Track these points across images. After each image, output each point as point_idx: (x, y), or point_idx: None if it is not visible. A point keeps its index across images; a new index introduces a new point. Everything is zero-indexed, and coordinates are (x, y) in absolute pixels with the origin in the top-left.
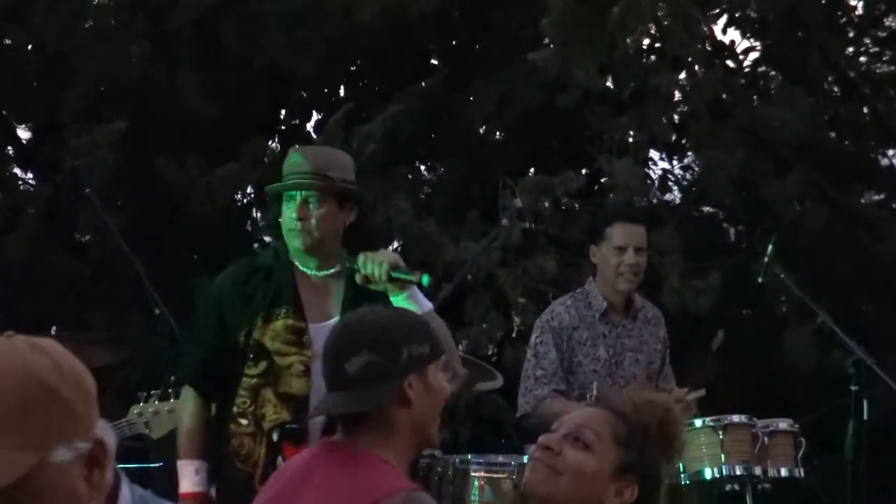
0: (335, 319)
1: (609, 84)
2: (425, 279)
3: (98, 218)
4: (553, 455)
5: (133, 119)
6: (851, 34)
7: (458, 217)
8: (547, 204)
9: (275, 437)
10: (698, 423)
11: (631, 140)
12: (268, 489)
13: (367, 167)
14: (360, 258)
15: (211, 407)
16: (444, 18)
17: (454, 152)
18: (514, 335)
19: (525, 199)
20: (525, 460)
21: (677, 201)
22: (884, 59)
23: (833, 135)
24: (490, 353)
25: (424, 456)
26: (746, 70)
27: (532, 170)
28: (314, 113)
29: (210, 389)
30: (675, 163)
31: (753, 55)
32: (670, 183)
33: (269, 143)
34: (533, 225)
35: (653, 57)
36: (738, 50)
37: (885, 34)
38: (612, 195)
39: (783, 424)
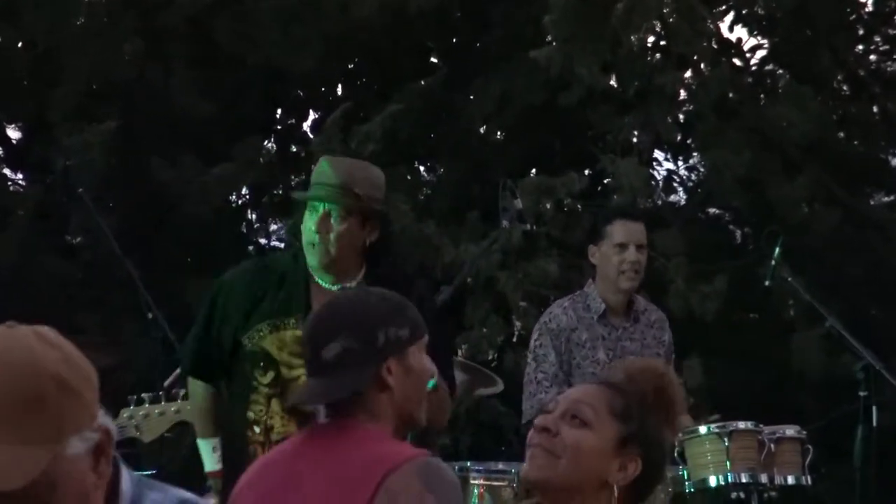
0: None
1: (613, 82)
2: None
3: (90, 219)
4: (551, 437)
5: (125, 118)
6: (861, 32)
7: (457, 218)
8: (549, 205)
9: None
10: (703, 430)
11: (635, 140)
12: (251, 486)
13: None
14: None
15: (217, 388)
16: (444, 15)
17: (454, 152)
18: (514, 340)
19: (526, 201)
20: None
21: (682, 203)
22: (894, 57)
23: (842, 135)
24: (490, 357)
25: None
26: (753, 68)
27: (533, 170)
28: (311, 112)
29: (210, 377)
30: (680, 163)
31: (761, 53)
32: (675, 184)
33: (265, 142)
34: (534, 227)
35: (658, 55)
36: (745, 48)
37: (895, 32)
38: (615, 196)
39: (790, 431)
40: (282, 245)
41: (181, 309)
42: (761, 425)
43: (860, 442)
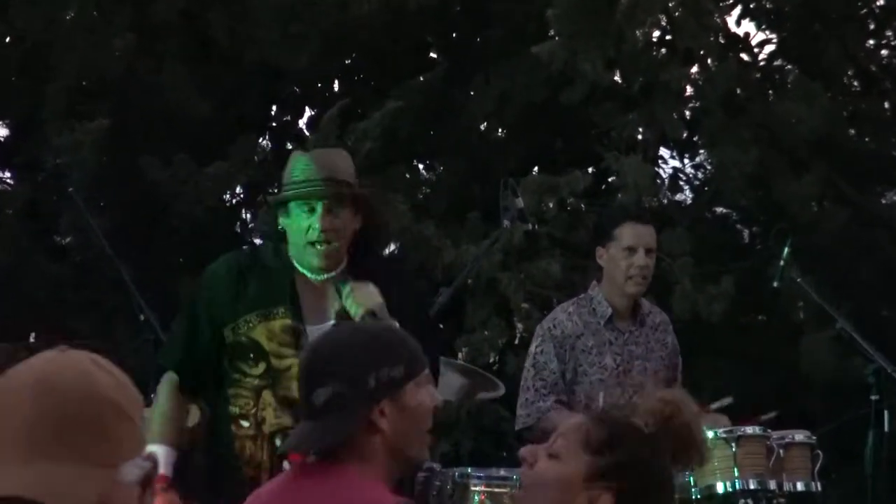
0: (331, 322)
1: (617, 78)
2: None
3: (81, 219)
4: (528, 468)
5: (117, 116)
6: (872, 26)
7: (458, 218)
8: (551, 204)
9: (278, 442)
10: (710, 435)
11: (640, 137)
12: None
13: (363, 166)
14: (347, 287)
15: (186, 397)
16: (444, 10)
17: (454, 151)
18: (516, 342)
19: (528, 200)
20: None
21: (688, 202)
22: None
23: (852, 131)
24: (491, 361)
25: (422, 469)
26: (761, 64)
27: (535, 169)
28: (307, 109)
29: (189, 379)
30: (686, 161)
31: (769, 48)
32: (681, 182)
33: (260, 140)
34: (536, 226)
35: (663, 50)
36: (753, 42)
37: None
38: (619, 195)
39: (799, 436)
40: None
41: (174, 311)
42: (769, 430)
43: (871, 447)
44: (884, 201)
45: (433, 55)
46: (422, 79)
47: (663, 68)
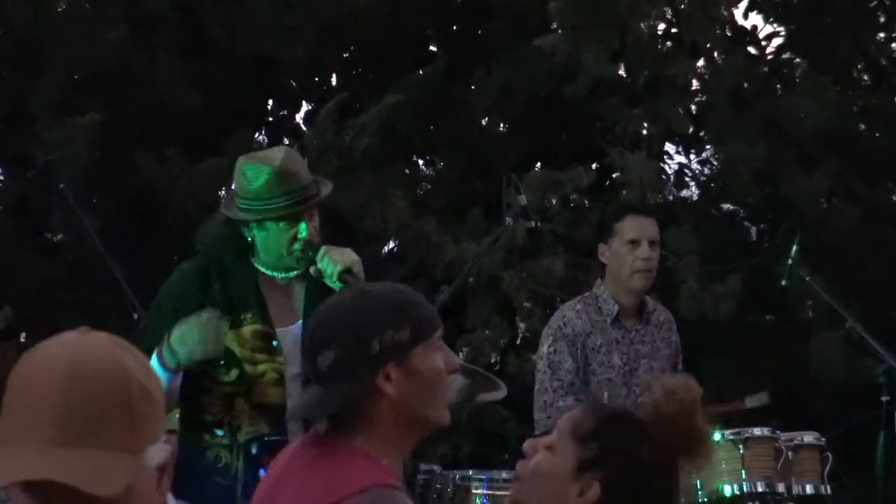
0: (299, 323)
1: (622, 72)
2: None
3: (72, 216)
4: (526, 461)
5: (109, 110)
6: (883, 19)
7: (458, 215)
8: (554, 201)
9: (254, 450)
10: (717, 436)
11: (645, 132)
12: (263, 481)
13: (361, 162)
14: (322, 250)
15: None
16: (444, 2)
17: (454, 146)
18: (518, 342)
19: (531, 196)
20: None
21: (695, 198)
22: None
23: (862, 127)
24: (493, 361)
25: (422, 472)
26: (769, 57)
27: (538, 164)
28: (304, 103)
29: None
30: (692, 157)
31: (777, 41)
32: (687, 178)
33: (256, 135)
34: (539, 224)
35: (669, 43)
36: (761, 36)
37: None
38: (624, 192)
39: (808, 438)
40: None
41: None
42: (778, 432)
43: (882, 449)
44: (895, 198)
45: (433, 48)
46: (421, 72)
47: (669, 62)
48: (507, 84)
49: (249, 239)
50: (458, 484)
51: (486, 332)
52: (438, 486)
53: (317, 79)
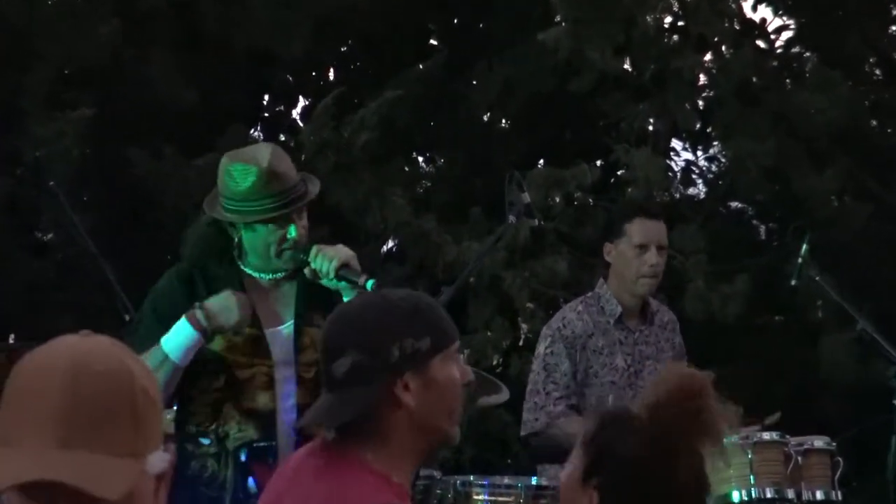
0: (290, 323)
1: (627, 67)
2: (370, 284)
3: (62, 215)
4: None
5: (101, 106)
6: (894, 12)
7: (459, 214)
8: (558, 199)
9: (242, 457)
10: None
11: (651, 128)
12: (267, 489)
13: (359, 159)
14: (314, 249)
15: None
16: None
17: (455, 142)
18: (521, 344)
19: (534, 194)
20: (534, 481)
21: (702, 196)
22: None
23: (874, 122)
24: (495, 363)
25: (422, 477)
26: (779, 51)
27: (541, 161)
28: (301, 99)
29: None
30: (699, 154)
31: (787, 35)
32: (694, 176)
33: (252, 131)
34: (542, 222)
35: (675, 36)
36: (770, 29)
37: None
38: (629, 189)
39: (819, 442)
40: None
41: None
42: (787, 436)
43: (894, 453)
44: None
45: (433, 42)
46: (421, 67)
47: (675, 56)
48: (510, 79)
49: (236, 240)
50: (459, 490)
51: (488, 333)
52: (439, 491)
53: (314, 73)
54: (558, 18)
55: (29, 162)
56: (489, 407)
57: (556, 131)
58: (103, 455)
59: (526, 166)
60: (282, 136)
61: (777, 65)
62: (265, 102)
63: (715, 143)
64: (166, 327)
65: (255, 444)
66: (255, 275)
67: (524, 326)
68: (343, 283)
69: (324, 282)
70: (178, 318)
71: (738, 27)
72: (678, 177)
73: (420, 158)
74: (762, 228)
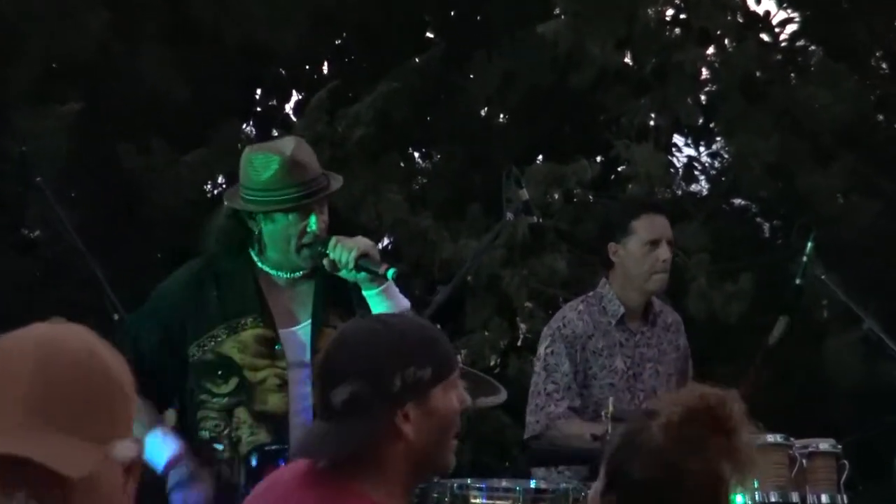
0: (306, 323)
1: (628, 60)
2: (391, 273)
3: (49, 211)
4: None
5: (90, 99)
6: None
7: (457, 211)
8: (557, 196)
9: (253, 461)
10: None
11: (652, 124)
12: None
13: (354, 154)
14: (332, 241)
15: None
16: None
17: (453, 138)
18: (519, 344)
19: (532, 191)
20: (533, 484)
21: (705, 193)
22: None
23: (881, 118)
24: (493, 364)
25: None
26: (783, 45)
27: (540, 157)
28: (294, 93)
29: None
30: (702, 149)
31: (791, 28)
32: (696, 172)
33: (244, 126)
34: (541, 219)
35: (677, 30)
36: (774, 22)
37: None
38: (630, 186)
39: (824, 445)
40: None
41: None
42: (792, 439)
43: None
44: None
45: (430, 34)
46: (418, 60)
47: (677, 49)
48: (508, 73)
49: (256, 232)
50: (456, 493)
51: (486, 333)
52: (435, 495)
53: (307, 67)
54: (558, 11)
55: (14, 157)
56: (487, 408)
57: (555, 126)
58: (68, 436)
59: (525, 162)
60: (274, 130)
61: (781, 59)
62: (258, 96)
63: (718, 138)
64: (164, 329)
65: (265, 448)
66: (273, 272)
67: (523, 326)
68: (362, 275)
69: (343, 273)
70: (178, 319)
71: (741, 20)
72: (680, 173)
73: (416, 154)
74: (766, 226)
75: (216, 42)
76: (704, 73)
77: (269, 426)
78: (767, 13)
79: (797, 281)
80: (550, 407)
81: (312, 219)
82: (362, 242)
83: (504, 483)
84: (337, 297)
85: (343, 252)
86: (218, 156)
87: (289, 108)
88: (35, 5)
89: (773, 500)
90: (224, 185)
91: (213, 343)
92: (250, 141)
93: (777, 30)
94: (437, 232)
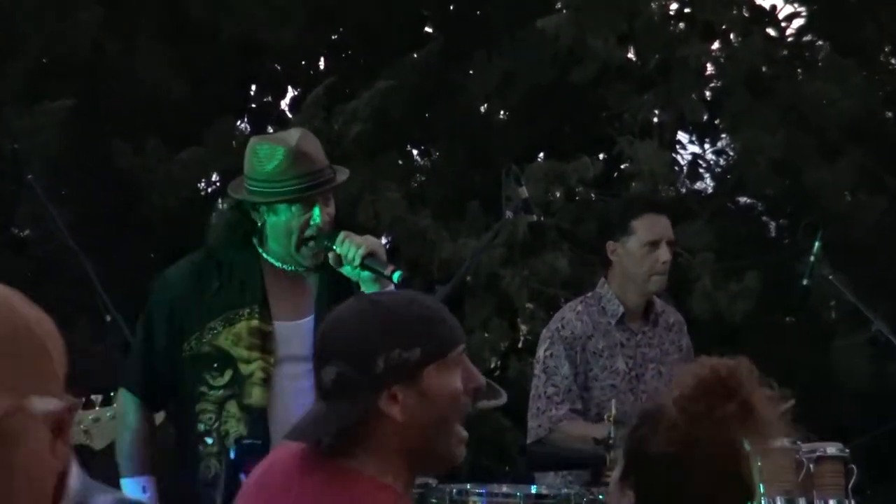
0: (310, 318)
1: (631, 56)
2: (396, 276)
3: (41, 209)
4: None
5: (82, 96)
6: None
7: (456, 209)
8: (558, 194)
9: (231, 454)
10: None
11: (656, 120)
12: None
13: (351, 152)
14: (340, 235)
15: (153, 416)
16: None
17: (452, 135)
18: (520, 345)
19: (533, 189)
20: (534, 490)
21: (709, 191)
22: None
23: (889, 114)
24: (492, 366)
25: (416, 486)
26: (790, 39)
27: (541, 155)
28: (290, 89)
29: (154, 399)
30: (706, 146)
31: (798, 22)
32: (701, 169)
33: (239, 123)
34: (542, 218)
35: (681, 24)
36: (781, 16)
37: None
38: (633, 184)
39: (831, 449)
40: None
41: (144, 310)
42: (799, 442)
43: None
44: None
45: (429, 29)
46: (416, 55)
47: (681, 44)
48: (509, 69)
49: (259, 224)
50: (455, 498)
51: (486, 334)
52: (434, 500)
53: (304, 62)
54: (559, 5)
55: (6, 155)
56: (486, 411)
57: (556, 123)
58: None
59: (525, 159)
60: (270, 127)
61: (788, 53)
62: (253, 93)
63: (723, 135)
64: (169, 323)
65: (243, 442)
66: (277, 264)
67: (523, 327)
68: (366, 274)
69: (346, 269)
70: (179, 312)
71: (746, 14)
72: (684, 171)
73: (415, 151)
74: (772, 224)
75: (211, 38)
76: (709, 68)
77: (248, 419)
78: (774, 7)
79: (804, 281)
80: (552, 410)
81: (316, 211)
82: (371, 241)
83: (504, 488)
84: (340, 294)
85: (351, 248)
86: (213, 153)
87: (284, 104)
88: (28, 1)
89: None
90: (218, 184)
91: (210, 335)
92: (245, 138)
93: (784, 24)
94: (436, 231)
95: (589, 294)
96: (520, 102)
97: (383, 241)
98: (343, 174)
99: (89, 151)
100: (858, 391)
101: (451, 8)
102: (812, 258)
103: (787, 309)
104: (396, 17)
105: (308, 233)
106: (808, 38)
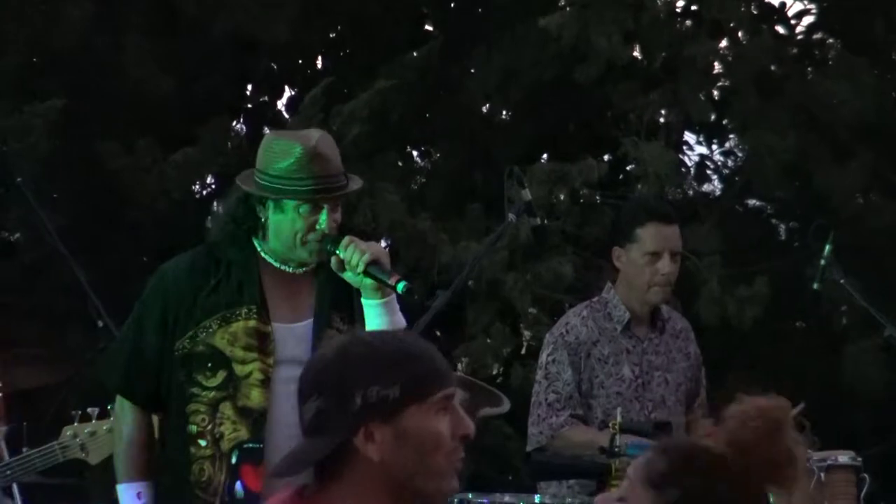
0: (309, 321)
1: (636, 54)
2: (401, 286)
3: (30, 213)
4: None
5: (72, 96)
6: None
7: (456, 212)
8: (562, 196)
9: (233, 458)
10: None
11: (662, 120)
12: None
13: (349, 153)
14: (345, 240)
15: (152, 419)
16: None
17: (452, 135)
18: (523, 351)
19: (536, 191)
20: (537, 500)
21: (717, 193)
22: None
23: None
24: (495, 372)
25: None
26: (800, 37)
27: (545, 156)
28: (287, 89)
29: (144, 399)
30: (714, 147)
31: (808, 20)
32: (709, 171)
33: (234, 123)
34: (545, 221)
35: (688, 21)
36: (790, 13)
37: None
38: (639, 186)
39: (843, 458)
40: None
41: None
42: (810, 451)
43: None
44: None
45: (429, 27)
46: (416, 54)
47: (688, 42)
48: (510, 68)
49: (263, 219)
50: None
51: (488, 340)
52: None
53: (301, 61)
54: (562, 2)
55: None
56: (489, 419)
57: (560, 123)
58: None
59: (528, 161)
60: (266, 128)
61: (798, 52)
62: (248, 92)
63: (731, 136)
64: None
65: (244, 446)
66: (276, 264)
67: (526, 333)
68: (368, 281)
69: (348, 274)
70: (174, 309)
71: (755, 11)
72: (691, 172)
73: (414, 152)
74: (782, 227)
75: (204, 35)
76: (717, 67)
77: (249, 422)
78: (783, 4)
79: (815, 285)
80: (552, 418)
81: (323, 216)
82: (376, 248)
83: (507, 498)
84: (339, 298)
85: (355, 253)
86: (206, 154)
87: (281, 104)
88: None
89: None
90: (213, 186)
91: (204, 334)
92: (240, 139)
93: (793, 22)
94: (436, 234)
95: (595, 299)
96: (522, 102)
97: (382, 244)
98: (356, 183)
99: (79, 153)
100: (871, 398)
101: (451, 4)
102: (823, 262)
103: (798, 314)
104: (395, 15)
105: (312, 237)
106: (818, 36)
